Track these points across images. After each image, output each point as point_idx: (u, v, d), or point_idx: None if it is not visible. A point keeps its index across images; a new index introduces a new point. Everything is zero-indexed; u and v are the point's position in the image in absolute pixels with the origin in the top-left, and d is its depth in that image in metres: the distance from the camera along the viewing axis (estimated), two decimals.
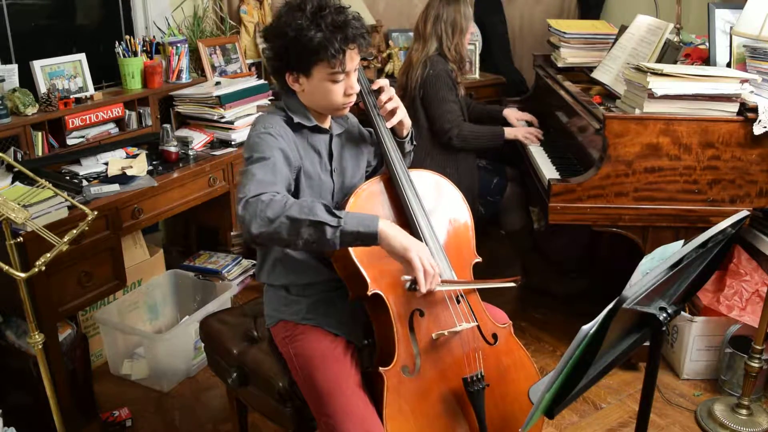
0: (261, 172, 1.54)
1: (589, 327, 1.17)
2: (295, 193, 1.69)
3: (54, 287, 2.16)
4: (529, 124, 3.20)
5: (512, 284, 1.73)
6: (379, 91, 1.77)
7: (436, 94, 2.90)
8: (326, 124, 1.77)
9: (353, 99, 1.70)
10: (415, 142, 1.96)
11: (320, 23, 1.56)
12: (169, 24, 3.23)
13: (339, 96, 1.65)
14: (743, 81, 2.32)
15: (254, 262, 1.87)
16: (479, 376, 1.68)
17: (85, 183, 2.44)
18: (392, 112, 1.77)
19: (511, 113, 3.24)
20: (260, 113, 1.76)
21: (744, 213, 1.50)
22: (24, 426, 2.10)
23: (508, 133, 3.05)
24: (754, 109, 2.30)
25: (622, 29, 3.05)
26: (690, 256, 1.35)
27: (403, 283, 1.54)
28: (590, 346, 1.18)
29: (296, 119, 1.69)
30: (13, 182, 2.28)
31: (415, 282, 1.50)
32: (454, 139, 2.92)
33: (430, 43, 2.95)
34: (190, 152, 2.84)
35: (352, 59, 1.63)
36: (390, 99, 1.76)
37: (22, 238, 1.84)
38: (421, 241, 1.67)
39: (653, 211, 2.42)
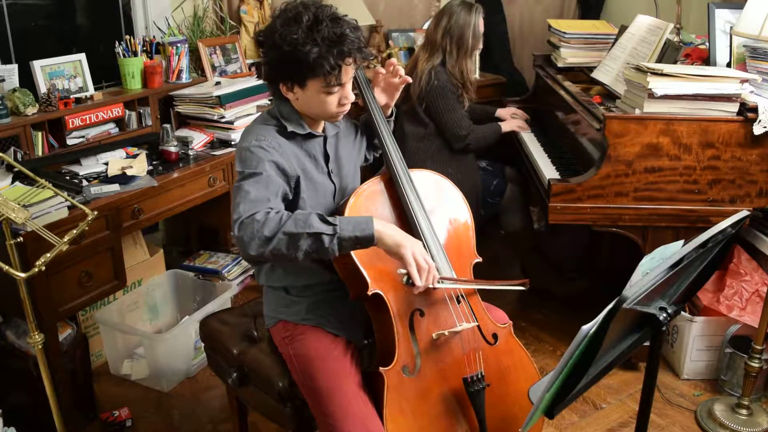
0: (254, 189, 1.54)
1: (589, 327, 1.17)
2: (296, 200, 1.68)
3: (54, 287, 2.16)
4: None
5: (521, 287, 1.73)
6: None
7: (445, 104, 2.88)
8: (319, 129, 1.76)
9: (347, 108, 1.69)
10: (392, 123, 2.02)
11: (316, 38, 1.53)
12: (169, 24, 3.23)
13: (333, 106, 1.65)
14: (743, 81, 2.32)
15: None
16: (479, 376, 1.68)
17: (85, 183, 2.44)
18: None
19: (503, 111, 3.32)
20: (253, 122, 1.75)
21: (744, 213, 1.51)
22: (24, 426, 2.10)
23: (504, 126, 3.13)
24: (754, 109, 2.30)
25: (622, 29, 3.04)
26: (690, 256, 1.35)
27: (400, 277, 1.55)
28: (590, 346, 1.18)
29: (290, 128, 1.68)
30: (13, 182, 2.28)
31: (410, 276, 1.52)
32: (471, 144, 2.95)
33: (437, 55, 2.91)
34: (190, 152, 2.83)
35: (348, 73, 1.61)
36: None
37: (22, 238, 1.84)
38: (421, 240, 1.67)
39: (653, 211, 2.42)
